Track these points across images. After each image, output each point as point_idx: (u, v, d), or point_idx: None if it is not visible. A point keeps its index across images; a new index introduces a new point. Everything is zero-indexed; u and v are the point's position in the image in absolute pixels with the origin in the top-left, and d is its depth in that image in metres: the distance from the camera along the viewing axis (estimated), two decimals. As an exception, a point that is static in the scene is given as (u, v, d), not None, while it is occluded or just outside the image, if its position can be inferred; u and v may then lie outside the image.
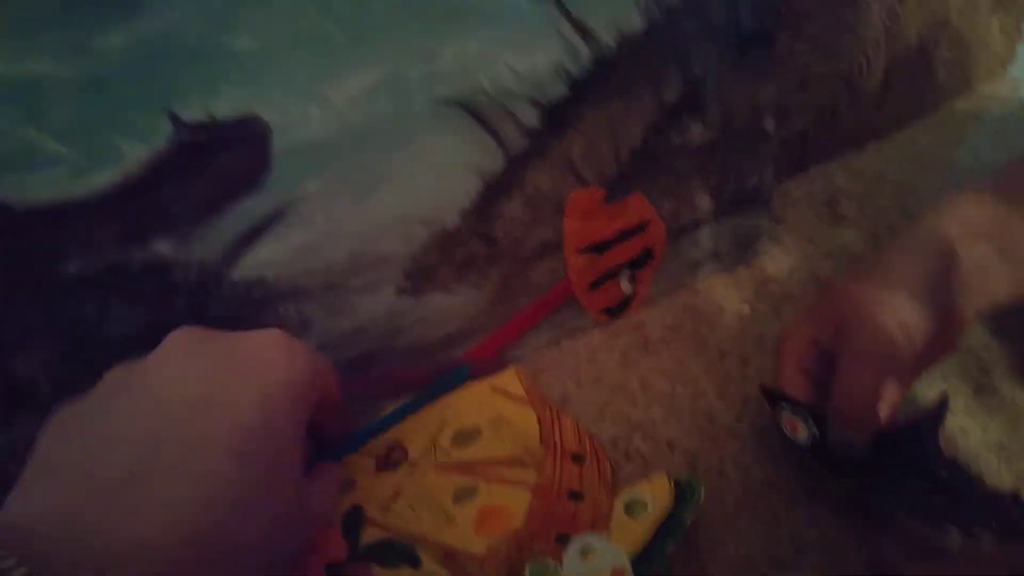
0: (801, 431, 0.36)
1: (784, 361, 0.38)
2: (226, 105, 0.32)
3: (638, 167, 0.43)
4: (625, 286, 0.47)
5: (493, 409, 0.40)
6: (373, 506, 0.35)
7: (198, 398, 0.26)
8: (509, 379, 0.41)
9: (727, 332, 0.46)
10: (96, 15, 0.29)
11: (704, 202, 0.47)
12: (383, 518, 0.35)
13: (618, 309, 0.48)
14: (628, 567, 0.33)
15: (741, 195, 0.48)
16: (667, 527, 0.35)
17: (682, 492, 0.36)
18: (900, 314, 0.34)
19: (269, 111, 0.33)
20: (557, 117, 0.40)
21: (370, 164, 0.37)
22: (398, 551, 0.33)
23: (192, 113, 0.32)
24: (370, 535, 0.34)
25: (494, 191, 0.40)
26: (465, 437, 0.38)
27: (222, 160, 0.33)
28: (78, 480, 0.24)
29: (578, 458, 0.38)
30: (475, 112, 0.38)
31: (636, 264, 0.47)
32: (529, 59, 0.37)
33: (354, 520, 0.35)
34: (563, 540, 0.34)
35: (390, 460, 0.37)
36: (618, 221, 0.44)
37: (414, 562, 0.33)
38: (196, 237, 0.34)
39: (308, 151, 0.35)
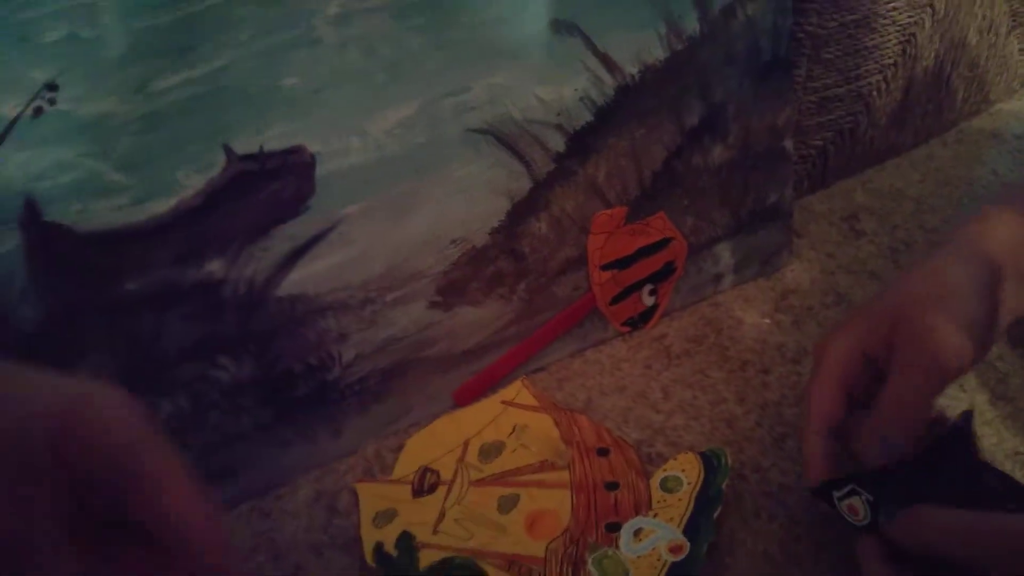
0: (860, 511, 0.33)
1: (824, 370, 0.36)
2: (275, 137, 0.35)
3: (660, 188, 0.45)
4: (647, 298, 0.49)
5: (509, 421, 0.42)
6: (421, 530, 0.37)
7: None
8: (517, 391, 0.44)
9: (748, 343, 0.48)
10: (157, 59, 0.32)
11: (725, 219, 0.49)
12: (435, 539, 0.37)
13: (640, 321, 0.50)
14: (683, 538, 0.36)
15: (761, 212, 0.50)
16: (705, 496, 0.37)
17: (709, 462, 0.39)
18: (954, 324, 0.33)
19: (314, 142, 0.36)
20: (582, 143, 0.42)
21: (405, 188, 0.39)
22: (461, 566, 0.35)
23: (244, 145, 0.35)
24: (427, 557, 0.36)
25: (522, 212, 0.42)
26: (490, 452, 0.41)
27: (270, 187, 0.36)
28: None
29: (603, 452, 0.40)
30: (504, 139, 0.40)
31: (658, 278, 0.49)
32: (556, 90, 0.40)
33: (405, 546, 0.37)
34: (613, 528, 0.37)
35: (425, 486, 0.40)
36: (640, 239, 0.46)
37: (479, 575, 0.35)
38: (245, 257, 0.37)
39: (349, 178, 0.37)
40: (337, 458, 0.43)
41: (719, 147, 0.46)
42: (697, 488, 0.38)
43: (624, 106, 0.41)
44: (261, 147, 0.35)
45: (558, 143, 0.41)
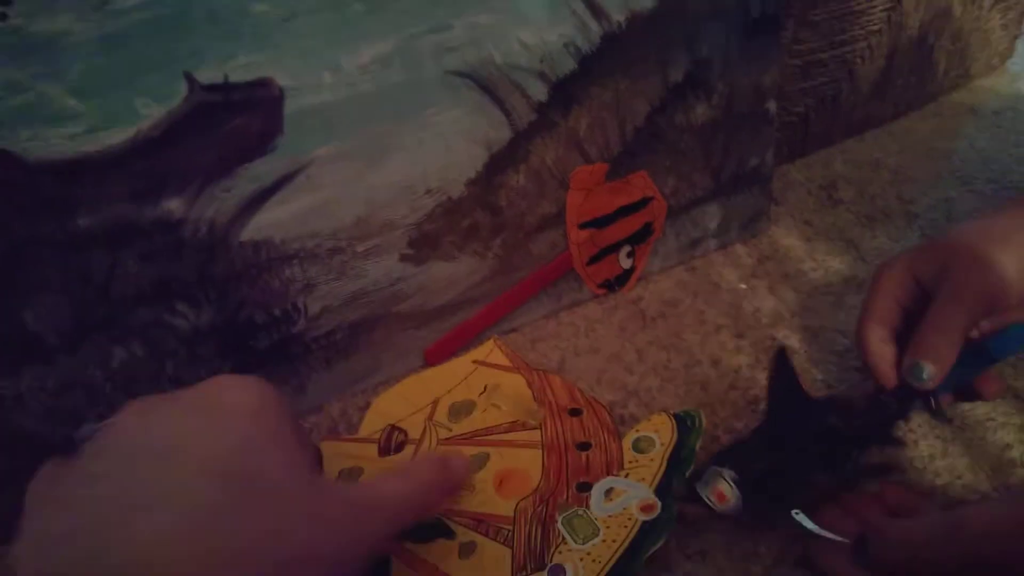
0: (727, 493, 0.35)
1: (880, 287, 0.38)
2: (241, 67, 0.33)
3: (642, 145, 0.44)
4: (624, 261, 0.48)
5: (480, 381, 0.41)
6: None
7: (168, 449, 0.24)
8: (490, 350, 0.43)
9: (723, 307, 0.47)
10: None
11: (705, 181, 0.48)
12: None
13: (617, 283, 0.49)
14: (654, 497, 0.35)
15: (742, 176, 0.49)
16: (678, 456, 0.37)
17: (683, 423, 0.38)
18: (1007, 257, 0.35)
19: (283, 75, 0.34)
20: (565, 92, 0.40)
21: (379, 132, 0.37)
22: (429, 526, 0.34)
23: (208, 75, 0.32)
24: None
25: (500, 163, 0.41)
26: (461, 411, 0.40)
27: (235, 122, 0.34)
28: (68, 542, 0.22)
29: (575, 412, 0.39)
30: (484, 84, 0.38)
31: (636, 239, 0.48)
32: (540, 34, 0.38)
33: None
34: (584, 488, 0.36)
35: (392, 444, 0.38)
36: (620, 197, 0.45)
37: (448, 534, 0.34)
38: (206, 196, 0.35)
39: (319, 116, 0.35)
40: (301, 416, 0.42)
41: (703, 105, 0.45)
42: (669, 449, 0.37)
43: (609, 55, 0.40)
44: (226, 77, 0.33)
45: (540, 92, 0.40)
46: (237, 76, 0.33)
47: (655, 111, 0.44)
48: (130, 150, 0.32)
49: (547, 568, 0.33)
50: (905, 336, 0.37)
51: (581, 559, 0.34)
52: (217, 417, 0.25)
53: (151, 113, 0.32)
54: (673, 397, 0.42)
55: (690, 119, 0.45)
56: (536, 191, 0.43)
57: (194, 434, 0.24)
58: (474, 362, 0.43)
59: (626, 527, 0.35)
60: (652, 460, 0.37)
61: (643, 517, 0.35)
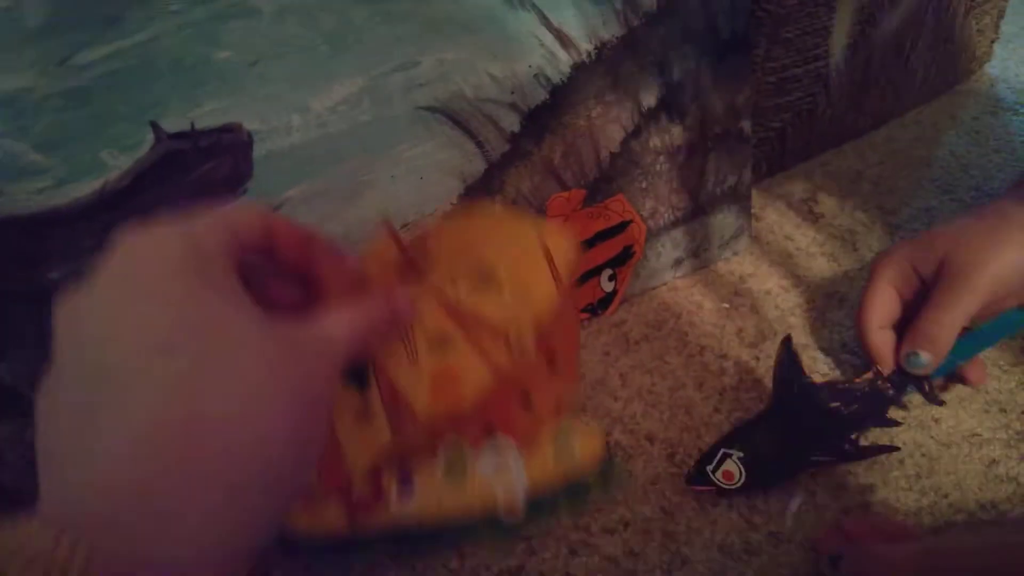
0: (735, 472, 0.38)
1: (877, 276, 0.40)
2: (208, 114, 0.33)
3: (618, 169, 0.44)
4: (606, 284, 0.48)
5: (526, 269, 0.35)
6: None
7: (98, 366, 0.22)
8: (564, 248, 0.35)
9: (706, 328, 0.47)
10: (79, 31, 0.30)
11: (684, 202, 0.48)
12: None
13: (599, 307, 0.49)
14: (520, 503, 0.33)
15: (720, 195, 0.49)
16: (572, 491, 0.33)
17: (603, 470, 0.34)
18: (1005, 257, 0.36)
19: (251, 120, 0.34)
20: (537, 122, 0.40)
21: (352, 170, 0.37)
22: (354, 373, 0.32)
23: (174, 123, 0.32)
24: None
25: (475, 194, 0.41)
26: (483, 281, 0.34)
27: (204, 168, 0.34)
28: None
29: (554, 365, 0.35)
30: (456, 118, 0.38)
31: (617, 262, 0.48)
32: (509, 66, 0.38)
33: None
34: (490, 432, 0.33)
35: (408, 271, 0.33)
36: (599, 222, 0.45)
37: (362, 383, 0.32)
38: (180, 243, 0.35)
39: (290, 158, 0.35)
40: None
41: (677, 128, 0.45)
42: (574, 477, 0.33)
43: (580, 84, 0.40)
44: (192, 124, 0.33)
45: (512, 122, 0.40)
46: (204, 122, 0.33)
47: (630, 136, 0.44)
48: (98, 201, 0.32)
49: (400, 475, 0.32)
50: (903, 324, 0.39)
51: (430, 492, 0.32)
52: (140, 295, 0.22)
53: (118, 164, 0.32)
54: (657, 422, 0.42)
55: (665, 142, 0.45)
56: (513, 220, 0.43)
57: (120, 322, 0.22)
58: (542, 246, 0.35)
59: (481, 502, 0.33)
60: (553, 471, 0.33)
61: (501, 512, 0.33)
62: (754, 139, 0.49)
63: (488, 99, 0.39)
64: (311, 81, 0.34)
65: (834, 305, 0.48)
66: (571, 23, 0.38)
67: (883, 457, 0.39)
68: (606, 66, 0.40)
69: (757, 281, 0.50)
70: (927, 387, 0.40)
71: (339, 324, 0.26)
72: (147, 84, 0.31)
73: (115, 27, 0.30)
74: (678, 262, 0.50)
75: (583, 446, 0.34)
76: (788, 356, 0.39)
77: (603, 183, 0.44)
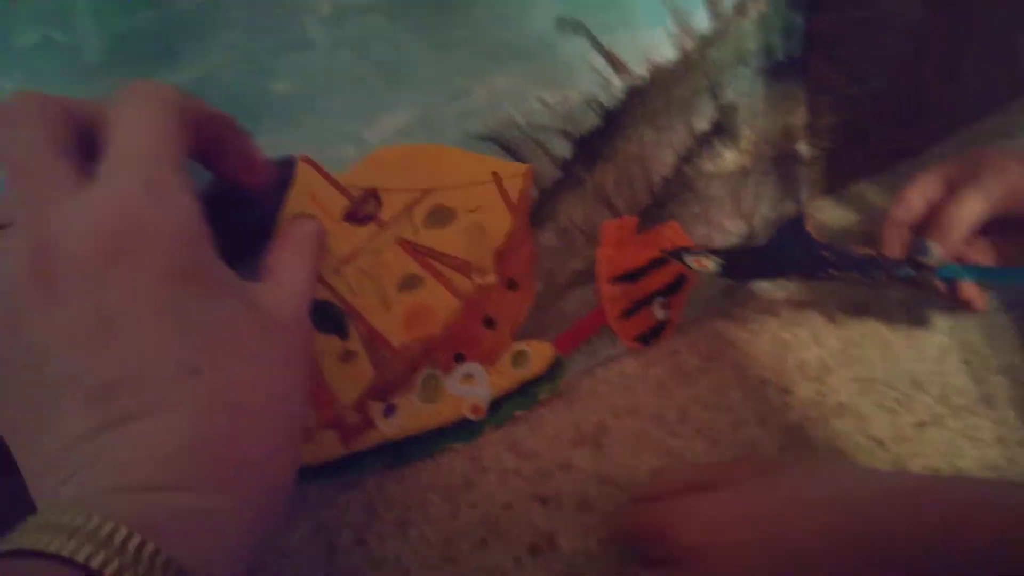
0: (708, 264, 0.42)
1: (912, 183, 0.43)
2: (264, 147, 0.32)
3: (671, 195, 0.43)
4: (659, 312, 0.47)
5: (481, 198, 0.37)
6: (326, 263, 0.34)
7: None
8: (514, 177, 0.37)
9: (766, 359, 0.46)
10: (137, 64, 0.30)
11: (738, 227, 0.47)
12: (331, 279, 0.34)
13: (652, 336, 0.47)
14: (485, 407, 0.40)
15: (775, 219, 0.48)
16: (524, 390, 0.41)
17: (551, 370, 0.42)
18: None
19: (307, 151, 0.33)
20: (589, 148, 0.40)
21: (404, 200, 0.37)
22: (331, 317, 0.35)
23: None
24: (316, 292, 0.33)
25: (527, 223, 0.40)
26: (439, 219, 0.36)
27: (261, 201, 0.33)
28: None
29: (513, 285, 0.39)
30: (507, 146, 0.38)
31: (670, 290, 0.46)
32: (560, 92, 0.37)
33: None
34: (459, 359, 0.39)
35: (360, 213, 0.34)
36: (652, 249, 0.44)
37: (343, 333, 0.35)
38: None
39: (343, 189, 0.35)
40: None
41: (731, 151, 0.44)
42: (528, 377, 0.41)
43: (633, 109, 0.39)
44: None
45: (564, 149, 0.39)
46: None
47: (682, 160, 0.43)
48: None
49: (385, 403, 0.37)
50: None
51: (409, 412, 0.38)
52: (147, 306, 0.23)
53: (174, 198, 0.32)
54: (720, 460, 0.40)
55: (718, 166, 0.44)
56: (565, 249, 0.42)
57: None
58: (493, 173, 0.37)
59: (453, 413, 0.39)
60: (511, 376, 0.40)
61: (467, 414, 0.39)
62: (808, 161, 0.47)
63: (540, 126, 0.38)
64: (365, 112, 0.34)
65: (900, 337, 0.46)
66: (624, 47, 0.38)
67: None
68: (660, 89, 0.39)
69: (817, 309, 0.48)
70: (927, 276, 0.42)
71: (298, 283, 0.29)
72: (203, 118, 0.31)
73: (172, 61, 0.30)
74: (733, 289, 0.49)
75: (536, 355, 0.41)
76: (801, 221, 0.44)
77: (656, 209, 0.43)
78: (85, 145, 0.25)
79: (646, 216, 0.43)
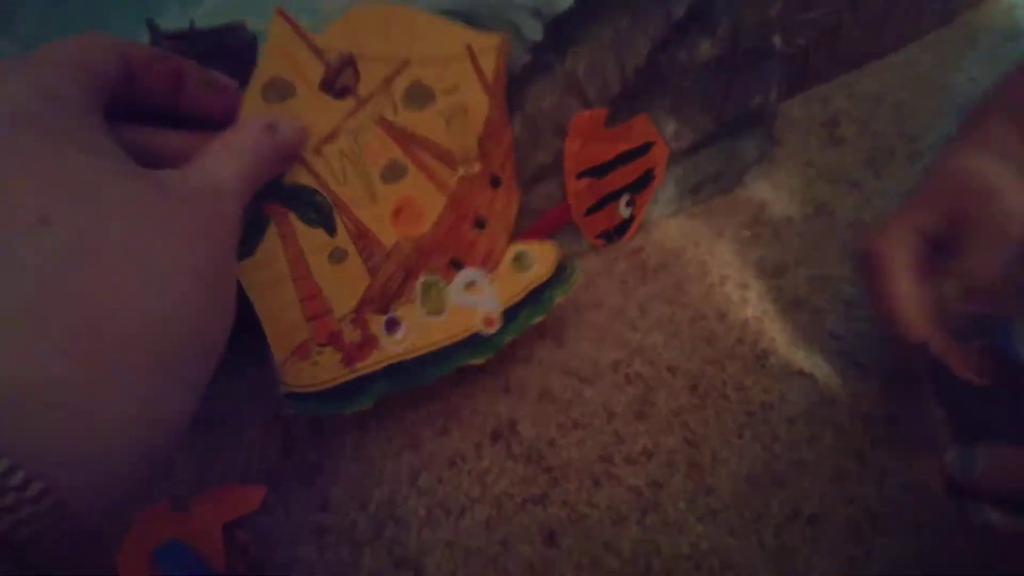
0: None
1: (889, 267, 0.34)
2: (208, 13, 0.30)
3: (643, 86, 0.42)
4: (624, 210, 0.46)
5: (454, 76, 0.34)
6: (307, 143, 0.32)
7: None
8: (487, 51, 0.35)
9: (726, 256, 0.46)
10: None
11: (707, 124, 0.46)
12: (313, 161, 0.32)
13: (616, 234, 0.47)
14: (499, 317, 0.37)
15: (744, 116, 0.47)
16: (538, 295, 0.38)
17: (560, 272, 0.38)
18: (1018, 188, 0.33)
19: (255, 19, 0.30)
20: (561, 31, 0.37)
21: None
22: (319, 209, 0.32)
23: (172, 22, 0.29)
24: (297, 176, 0.32)
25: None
26: (417, 97, 0.34)
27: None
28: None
29: (496, 182, 0.37)
30: (476, 24, 0.35)
31: (636, 187, 0.46)
32: (535, -34, 0.35)
33: None
34: (456, 266, 0.36)
35: (338, 83, 0.32)
36: (621, 144, 0.43)
37: (330, 227, 0.33)
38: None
39: (299, 64, 0.32)
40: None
41: (706, 41, 0.42)
42: (536, 284, 0.38)
43: (610, -11, 0.37)
44: (192, 23, 0.29)
45: (535, 30, 0.37)
46: (204, 22, 0.30)
47: (656, 49, 0.41)
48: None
49: (387, 315, 0.35)
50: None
51: (416, 327, 0.35)
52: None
53: (111, 66, 0.29)
54: (679, 353, 0.41)
55: (693, 56, 0.42)
56: (531, 140, 0.40)
57: None
58: (468, 47, 0.34)
59: (463, 326, 0.36)
60: (519, 282, 0.38)
61: (481, 328, 0.37)
62: (781, 57, 0.46)
63: (511, 3, 0.36)
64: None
65: (858, 234, 0.46)
66: (603, -81, 0.35)
67: None
68: (638, -30, 0.37)
69: (778, 208, 0.49)
70: None
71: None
72: (141, -24, 0.28)
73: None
74: (698, 186, 0.48)
75: (539, 258, 0.38)
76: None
77: (626, 101, 0.42)
78: None
79: (616, 108, 0.42)
